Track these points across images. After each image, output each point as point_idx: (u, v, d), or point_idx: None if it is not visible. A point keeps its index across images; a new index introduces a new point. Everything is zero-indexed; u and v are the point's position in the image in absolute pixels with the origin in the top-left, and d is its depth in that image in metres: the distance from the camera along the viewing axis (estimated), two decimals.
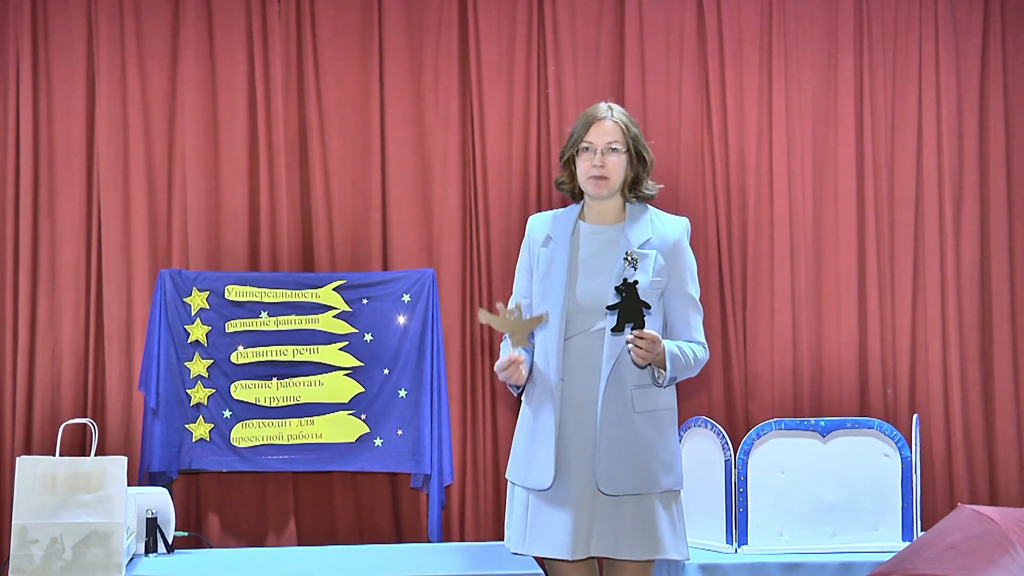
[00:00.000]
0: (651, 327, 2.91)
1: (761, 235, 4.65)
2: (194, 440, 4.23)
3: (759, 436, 3.89)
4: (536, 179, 4.58)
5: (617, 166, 3.05)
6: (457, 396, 4.49)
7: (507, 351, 3.01)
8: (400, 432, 4.27)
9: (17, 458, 3.55)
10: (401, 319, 4.31)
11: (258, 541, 4.39)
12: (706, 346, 3.09)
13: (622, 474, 2.94)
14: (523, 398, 3.10)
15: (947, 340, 4.68)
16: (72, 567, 3.44)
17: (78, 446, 4.31)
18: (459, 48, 4.59)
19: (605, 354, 2.96)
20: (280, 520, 4.40)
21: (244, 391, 4.26)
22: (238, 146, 4.48)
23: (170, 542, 3.83)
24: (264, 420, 4.25)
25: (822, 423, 3.93)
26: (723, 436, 3.89)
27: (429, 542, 4.27)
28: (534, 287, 3.08)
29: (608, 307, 2.92)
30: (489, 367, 4.48)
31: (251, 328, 4.27)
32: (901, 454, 3.94)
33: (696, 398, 4.58)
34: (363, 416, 4.28)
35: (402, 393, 4.28)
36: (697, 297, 3.10)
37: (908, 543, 3.74)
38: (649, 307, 2.91)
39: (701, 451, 3.95)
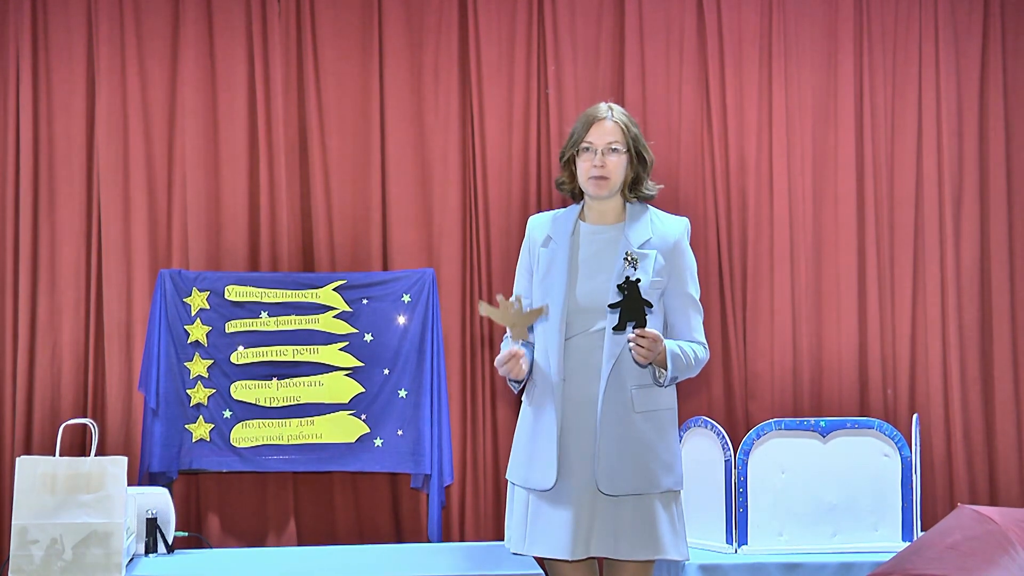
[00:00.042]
0: (652, 327, 2.91)
1: (761, 235, 4.65)
2: (194, 440, 4.23)
3: (759, 436, 3.88)
4: (536, 179, 4.58)
5: (617, 166, 3.05)
6: (457, 396, 4.49)
7: (508, 347, 3.01)
8: (400, 432, 4.27)
9: (17, 458, 3.54)
10: (401, 319, 4.30)
11: (258, 541, 4.38)
12: (706, 346, 3.09)
13: (622, 474, 2.94)
14: (523, 398, 3.10)
15: (947, 340, 4.68)
16: (72, 567, 3.44)
17: (78, 446, 4.31)
18: (459, 48, 4.59)
19: (605, 354, 2.96)
20: (280, 520, 4.40)
21: (244, 391, 4.26)
22: (238, 146, 4.48)
23: (170, 542, 3.83)
24: (264, 420, 4.25)
25: (822, 423, 3.93)
26: (723, 436, 3.89)
27: (429, 542, 4.27)
28: (534, 287, 3.08)
29: (610, 305, 2.92)
30: (489, 367, 4.48)
31: (251, 328, 4.27)
32: (901, 454, 3.93)
33: (696, 398, 4.57)
34: (363, 416, 4.28)
35: (402, 393, 4.28)
36: (697, 297, 3.10)
37: (908, 543, 3.74)
38: (651, 306, 2.91)
39: (701, 451, 3.95)
